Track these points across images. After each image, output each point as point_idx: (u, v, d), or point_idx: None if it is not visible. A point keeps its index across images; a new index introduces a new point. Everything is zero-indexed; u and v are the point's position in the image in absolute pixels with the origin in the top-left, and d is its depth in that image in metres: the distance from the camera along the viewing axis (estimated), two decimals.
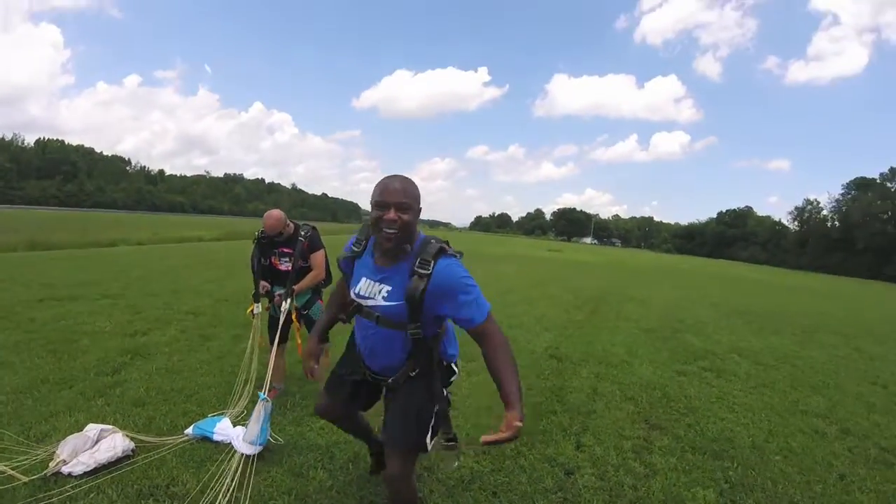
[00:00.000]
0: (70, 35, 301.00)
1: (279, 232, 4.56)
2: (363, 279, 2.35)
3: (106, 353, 5.81)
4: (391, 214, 2.13)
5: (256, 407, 3.45)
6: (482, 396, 4.96)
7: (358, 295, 2.37)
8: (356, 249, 2.42)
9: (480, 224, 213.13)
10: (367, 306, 2.34)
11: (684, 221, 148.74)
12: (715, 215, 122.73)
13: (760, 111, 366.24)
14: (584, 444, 4.17)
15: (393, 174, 2.23)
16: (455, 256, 2.26)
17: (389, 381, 2.46)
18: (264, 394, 3.56)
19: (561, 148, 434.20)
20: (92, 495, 3.01)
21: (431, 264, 2.17)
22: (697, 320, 11.10)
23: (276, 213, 4.63)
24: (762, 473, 3.91)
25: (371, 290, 2.32)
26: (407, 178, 2.24)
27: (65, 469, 3.18)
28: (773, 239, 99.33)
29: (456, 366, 2.62)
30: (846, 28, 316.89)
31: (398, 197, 2.15)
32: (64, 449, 3.28)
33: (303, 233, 4.60)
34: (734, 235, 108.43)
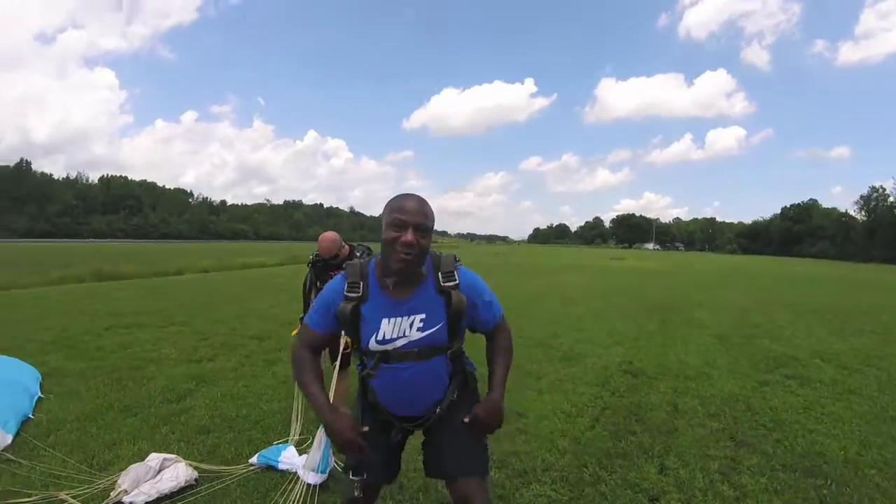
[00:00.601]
0: (125, 77, 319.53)
1: (335, 254, 4.50)
2: (383, 322, 2.07)
3: (171, 380, 5.87)
4: (409, 237, 1.93)
5: (317, 434, 3.33)
6: (553, 418, 4.70)
7: (382, 341, 2.08)
8: (353, 295, 2.09)
9: (539, 236, 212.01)
10: (398, 348, 2.08)
11: (748, 220, 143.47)
12: (779, 211, 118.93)
13: (815, 98, 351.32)
14: (667, 467, 3.87)
15: (406, 193, 2.06)
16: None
17: (433, 417, 2.19)
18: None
19: (615, 153, 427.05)
20: None
21: (455, 274, 2.10)
22: (773, 323, 10.50)
23: (330, 234, 4.60)
24: (858, 490, 3.52)
25: (399, 328, 2.08)
26: (422, 197, 2.06)
27: (126, 499, 3.15)
28: (840, 232, 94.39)
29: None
30: (892, 2, 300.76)
31: (418, 218, 1.97)
32: (126, 479, 3.25)
33: (358, 254, 4.48)
34: (800, 231, 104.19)
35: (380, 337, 2.08)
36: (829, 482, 3.62)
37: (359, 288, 2.09)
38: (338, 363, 4.17)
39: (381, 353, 2.09)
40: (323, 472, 3.40)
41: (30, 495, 3.19)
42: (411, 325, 2.07)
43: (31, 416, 4.50)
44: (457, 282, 2.08)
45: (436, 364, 2.13)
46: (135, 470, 3.32)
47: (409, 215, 1.95)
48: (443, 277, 2.07)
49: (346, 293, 2.09)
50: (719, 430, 4.61)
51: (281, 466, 3.64)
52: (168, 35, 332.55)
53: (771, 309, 12.80)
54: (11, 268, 21.11)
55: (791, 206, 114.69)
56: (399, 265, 1.96)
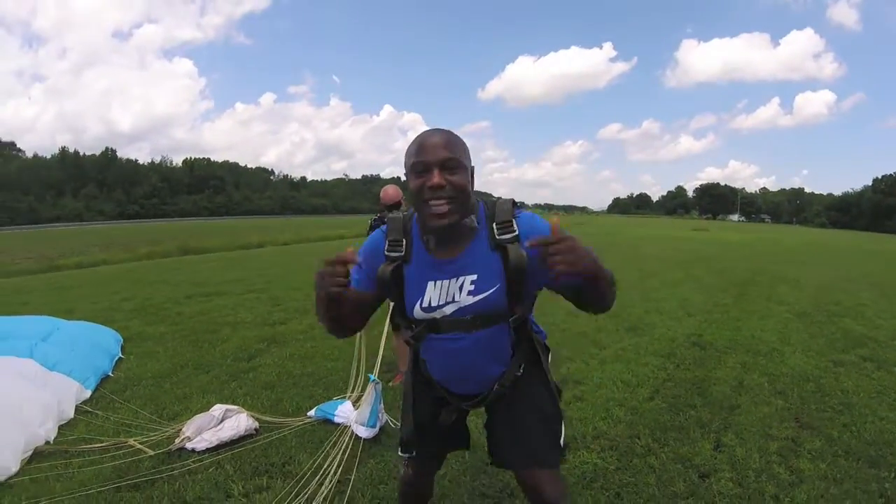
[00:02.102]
0: (203, 65, 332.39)
1: (397, 201, 4.47)
2: (429, 286, 1.77)
3: (244, 341, 6.14)
4: (435, 178, 1.59)
5: (367, 389, 3.43)
6: (612, 387, 4.60)
7: (428, 309, 1.78)
8: (395, 254, 1.79)
9: (618, 206, 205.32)
10: (447, 316, 1.77)
11: (837, 191, 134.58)
12: (870, 182, 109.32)
13: None
14: (723, 444, 3.67)
15: (427, 129, 1.73)
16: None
17: (492, 394, 1.89)
18: (374, 376, 3.56)
19: (698, 119, 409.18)
20: (211, 470, 3.12)
21: (514, 224, 1.71)
22: (857, 302, 9.76)
23: (391, 186, 4.60)
24: None
25: (447, 293, 1.76)
26: (448, 130, 1.72)
27: (188, 445, 3.33)
28: None
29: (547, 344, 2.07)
30: None
31: (441, 153, 1.61)
32: (190, 427, 3.44)
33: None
34: (893, 205, 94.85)
35: (425, 303, 1.78)
36: (893, 475, 3.31)
37: (401, 246, 1.79)
38: (387, 323, 4.12)
39: (428, 322, 1.80)
40: (373, 426, 3.47)
41: (101, 441, 3.42)
42: (461, 289, 1.75)
43: (110, 374, 4.79)
44: (515, 233, 1.70)
45: (494, 334, 1.80)
46: (199, 419, 3.49)
47: (430, 153, 1.62)
48: (498, 229, 1.71)
49: (386, 252, 1.80)
50: (784, 409, 4.36)
51: (337, 420, 3.73)
52: (242, 21, 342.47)
53: (856, 287, 12.00)
54: (104, 247, 22.52)
55: (884, 176, 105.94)
56: (435, 221, 1.62)
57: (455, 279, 1.74)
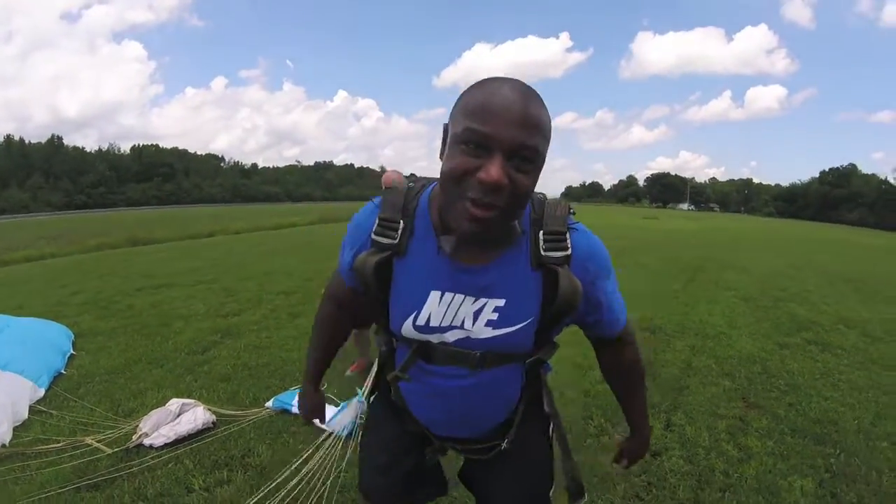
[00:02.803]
0: (153, 48, 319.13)
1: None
2: (431, 295, 1.24)
3: (198, 333, 6.10)
4: (494, 172, 1.00)
5: (351, 403, 3.48)
6: (564, 370, 4.74)
7: (425, 328, 1.27)
8: (385, 241, 1.24)
9: (571, 195, 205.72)
10: (447, 344, 1.28)
11: (785, 182, 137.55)
12: (817, 175, 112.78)
13: (860, 58, 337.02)
14: (673, 424, 3.87)
15: (501, 77, 1.09)
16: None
17: (495, 449, 1.46)
18: (363, 395, 3.45)
19: (651, 109, 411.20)
20: (171, 465, 3.15)
21: (567, 239, 1.22)
22: (802, 288, 10.18)
23: (394, 171, 4.35)
24: (867, 462, 3.41)
25: (456, 313, 1.24)
26: (535, 92, 1.08)
27: (146, 441, 3.35)
28: (880, 199, 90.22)
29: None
30: None
31: (518, 133, 1.01)
32: (147, 423, 3.45)
33: None
34: (839, 196, 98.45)
35: (421, 319, 1.26)
36: (837, 451, 3.53)
37: (395, 230, 1.24)
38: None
39: (419, 346, 1.30)
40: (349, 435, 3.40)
41: (58, 441, 3.40)
42: (477, 315, 1.23)
43: (63, 371, 4.72)
44: (568, 252, 1.21)
45: (503, 375, 1.33)
46: (156, 415, 3.51)
47: (503, 126, 1.00)
48: (546, 241, 1.21)
49: (373, 235, 1.26)
50: (732, 389, 4.57)
51: (294, 410, 3.74)
52: (195, 3, 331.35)
53: (802, 274, 12.49)
54: (51, 240, 21.86)
55: (830, 169, 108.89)
56: (468, 225, 1.06)
57: (474, 299, 1.22)
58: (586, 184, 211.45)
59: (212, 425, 3.58)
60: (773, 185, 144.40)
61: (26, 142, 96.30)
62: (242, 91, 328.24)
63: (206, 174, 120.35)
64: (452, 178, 1.05)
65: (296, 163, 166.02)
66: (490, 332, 1.24)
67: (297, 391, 3.68)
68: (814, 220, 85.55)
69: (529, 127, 1.02)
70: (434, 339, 1.27)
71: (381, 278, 1.25)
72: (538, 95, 1.08)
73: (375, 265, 1.22)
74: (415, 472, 1.55)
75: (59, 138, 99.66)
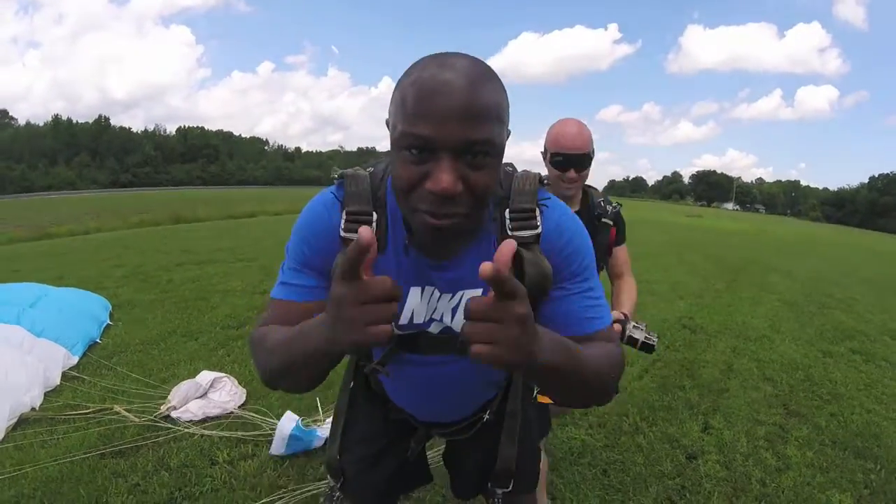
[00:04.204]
0: (201, 32, 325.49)
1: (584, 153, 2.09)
2: (412, 293, 1.13)
3: (234, 309, 6.09)
4: (444, 179, 0.86)
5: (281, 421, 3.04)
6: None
7: (408, 326, 1.17)
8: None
9: (614, 188, 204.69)
10: (433, 335, 1.19)
11: (833, 186, 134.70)
12: (867, 180, 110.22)
13: None
14: (711, 426, 3.68)
15: (444, 55, 0.92)
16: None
17: (477, 424, 1.43)
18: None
19: (699, 105, 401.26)
20: (196, 437, 3.11)
21: (538, 216, 1.09)
22: (848, 296, 9.74)
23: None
24: None
25: (435, 308, 1.16)
26: (478, 64, 0.92)
27: (174, 414, 3.30)
28: None
29: None
30: None
31: (466, 127, 0.85)
32: (175, 395, 3.41)
33: (610, 207, 2.23)
34: (888, 204, 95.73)
35: (404, 318, 1.16)
36: (878, 467, 3.30)
37: (370, 225, 1.06)
38: None
39: (402, 340, 1.19)
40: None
41: (87, 408, 3.38)
42: (454, 310, 1.16)
43: (98, 340, 4.73)
44: (538, 231, 1.07)
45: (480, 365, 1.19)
46: (185, 386, 3.46)
47: (442, 123, 0.85)
48: (511, 220, 1.08)
49: (343, 232, 1.05)
50: (773, 395, 4.35)
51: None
52: None
53: (849, 281, 12.00)
54: (95, 216, 22.33)
55: (880, 175, 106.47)
56: (432, 236, 0.94)
57: (450, 295, 1.14)
58: (630, 178, 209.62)
59: (242, 402, 3.52)
60: (820, 188, 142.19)
61: (74, 121, 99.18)
62: (288, 76, 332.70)
63: (250, 157, 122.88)
64: (403, 189, 0.92)
65: (339, 148, 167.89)
66: None
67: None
68: (861, 226, 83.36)
69: (477, 118, 0.86)
70: (417, 332, 1.18)
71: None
72: (485, 71, 0.91)
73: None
74: (401, 463, 1.48)
75: (107, 118, 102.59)
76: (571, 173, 2.00)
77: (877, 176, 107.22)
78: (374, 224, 1.05)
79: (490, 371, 1.23)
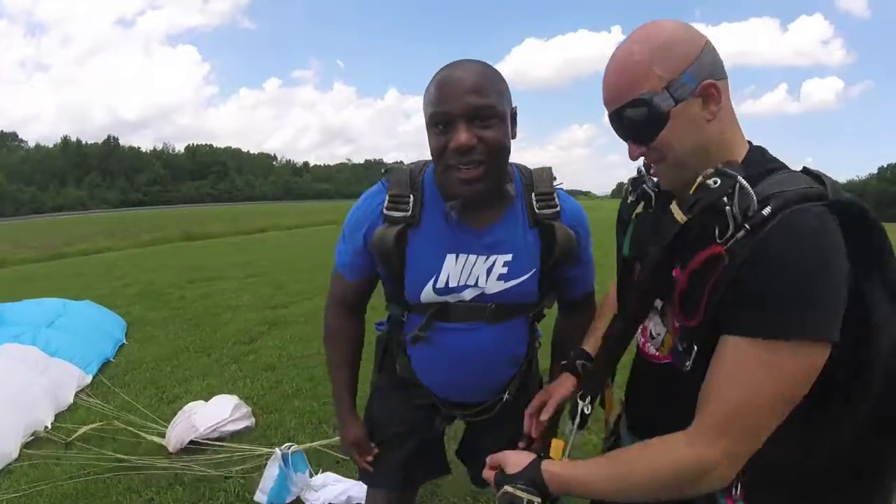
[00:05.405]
0: (207, 51, 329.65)
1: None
2: (448, 259, 1.34)
3: (246, 324, 6.14)
4: (462, 136, 1.17)
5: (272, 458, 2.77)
6: None
7: (444, 290, 1.36)
8: (399, 214, 1.34)
9: (621, 191, 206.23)
10: (464, 302, 1.38)
11: (842, 179, 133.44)
12: (875, 171, 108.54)
13: None
14: None
15: (455, 61, 1.28)
16: None
17: (499, 403, 1.53)
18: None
19: None
20: (209, 451, 3.10)
21: (556, 198, 1.39)
22: None
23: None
24: None
25: (470, 273, 1.35)
26: (480, 62, 1.28)
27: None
28: None
29: None
30: None
31: (469, 99, 1.18)
32: (171, 435, 3.19)
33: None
34: None
35: (440, 282, 1.34)
36: None
37: (407, 203, 1.34)
38: None
39: (437, 308, 1.37)
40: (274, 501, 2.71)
41: (101, 426, 3.38)
42: (489, 270, 1.35)
43: (111, 359, 4.77)
44: (558, 208, 1.37)
45: (513, 327, 1.44)
46: (180, 427, 3.22)
47: (455, 99, 1.18)
48: (538, 201, 1.37)
49: (385, 210, 1.34)
50: None
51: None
52: (247, 6, 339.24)
53: None
54: (107, 235, 22.53)
55: (889, 165, 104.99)
56: (464, 187, 1.23)
57: (485, 257, 1.34)
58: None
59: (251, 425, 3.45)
60: None
61: (83, 142, 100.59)
62: (295, 91, 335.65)
63: (258, 172, 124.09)
64: (437, 157, 1.24)
65: (346, 161, 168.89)
66: (502, 285, 1.36)
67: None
68: None
69: (479, 91, 1.18)
70: (452, 299, 1.37)
71: (399, 249, 1.34)
72: (487, 66, 1.27)
73: (396, 236, 1.32)
74: (422, 445, 1.61)
75: (115, 139, 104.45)
76: None
77: (885, 166, 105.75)
78: (409, 203, 1.34)
79: (512, 343, 1.46)
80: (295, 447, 2.72)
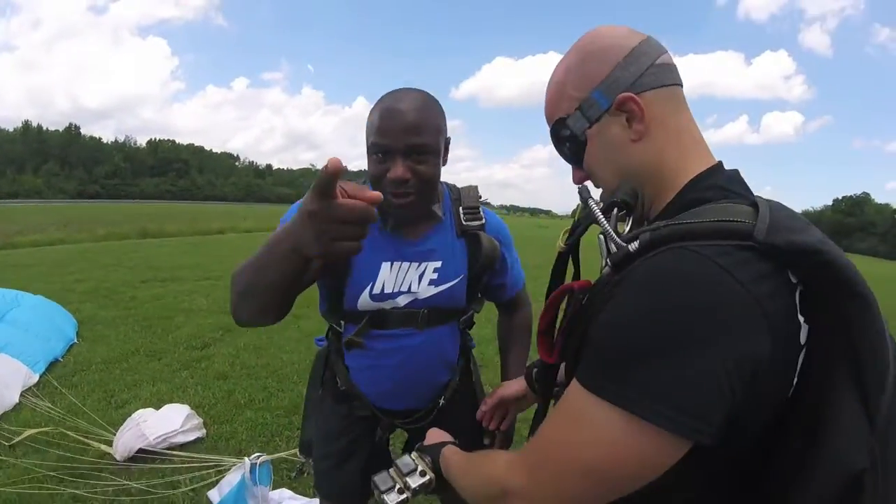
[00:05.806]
0: (177, 45, 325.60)
1: None
2: (383, 267, 1.47)
3: (199, 328, 6.07)
4: (399, 170, 1.32)
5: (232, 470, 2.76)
6: None
7: (379, 296, 1.47)
8: None
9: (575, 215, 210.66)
10: (398, 308, 1.49)
11: (799, 209, 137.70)
12: (831, 202, 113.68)
13: (876, 88, 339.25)
14: None
15: (400, 90, 1.39)
16: None
17: (435, 410, 1.62)
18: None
19: None
20: (157, 461, 3.08)
21: (480, 211, 1.56)
22: None
23: None
24: None
25: (404, 279, 1.49)
26: (422, 95, 1.39)
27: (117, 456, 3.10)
28: (892, 230, 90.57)
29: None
30: None
31: (407, 138, 1.31)
32: (119, 444, 3.14)
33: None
34: (852, 225, 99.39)
35: (376, 289, 1.47)
36: None
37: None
38: None
39: (372, 315, 1.49)
40: None
41: (45, 429, 3.32)
42: (421, 277, 1.49)
43: (59, 358, 4.67)
44: (482, 221, 1.55)
45: (445, 333, 1.58)
46: (129, 435, 3.17)
47: (394, 136, 1.31)
48: (465, 215, 1.54)
49: None
50: None
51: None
52: (222, 3, 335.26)
53: None
54: (61, 226, 21.94)
55: (843, 197, 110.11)
56: (397, 211, 1.40)
57: (417, 264, 1.48)
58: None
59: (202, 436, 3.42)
60: None
61: (44, 128, 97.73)
62: (263, 92, 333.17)
63: (220, 172, 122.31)
64: (374, 181, 1.38)
65: (310, 166, 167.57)
66: (433, 290, 1.50)
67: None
68: None
69: (417, 130, 1.31)
70: (387, 305, 1.48)
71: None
72: (425, 99, 1.38)
73: None
74: (370, 457, 1.63)
75: (77, 127, 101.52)
76: None
77: (840, 198, 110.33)
78: None
79: (445, 347, 1.60)
80: (264, 457, 2.66)
